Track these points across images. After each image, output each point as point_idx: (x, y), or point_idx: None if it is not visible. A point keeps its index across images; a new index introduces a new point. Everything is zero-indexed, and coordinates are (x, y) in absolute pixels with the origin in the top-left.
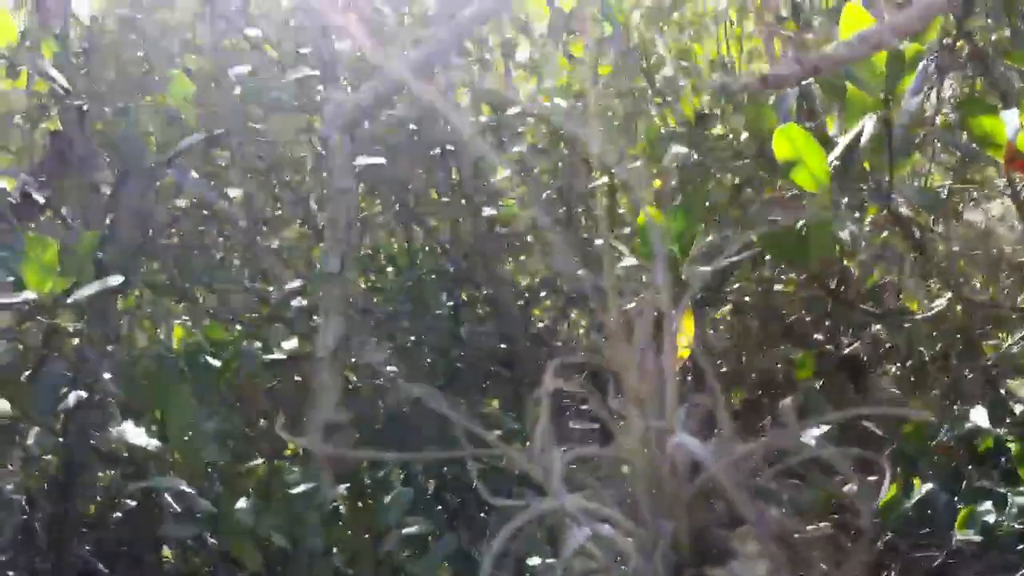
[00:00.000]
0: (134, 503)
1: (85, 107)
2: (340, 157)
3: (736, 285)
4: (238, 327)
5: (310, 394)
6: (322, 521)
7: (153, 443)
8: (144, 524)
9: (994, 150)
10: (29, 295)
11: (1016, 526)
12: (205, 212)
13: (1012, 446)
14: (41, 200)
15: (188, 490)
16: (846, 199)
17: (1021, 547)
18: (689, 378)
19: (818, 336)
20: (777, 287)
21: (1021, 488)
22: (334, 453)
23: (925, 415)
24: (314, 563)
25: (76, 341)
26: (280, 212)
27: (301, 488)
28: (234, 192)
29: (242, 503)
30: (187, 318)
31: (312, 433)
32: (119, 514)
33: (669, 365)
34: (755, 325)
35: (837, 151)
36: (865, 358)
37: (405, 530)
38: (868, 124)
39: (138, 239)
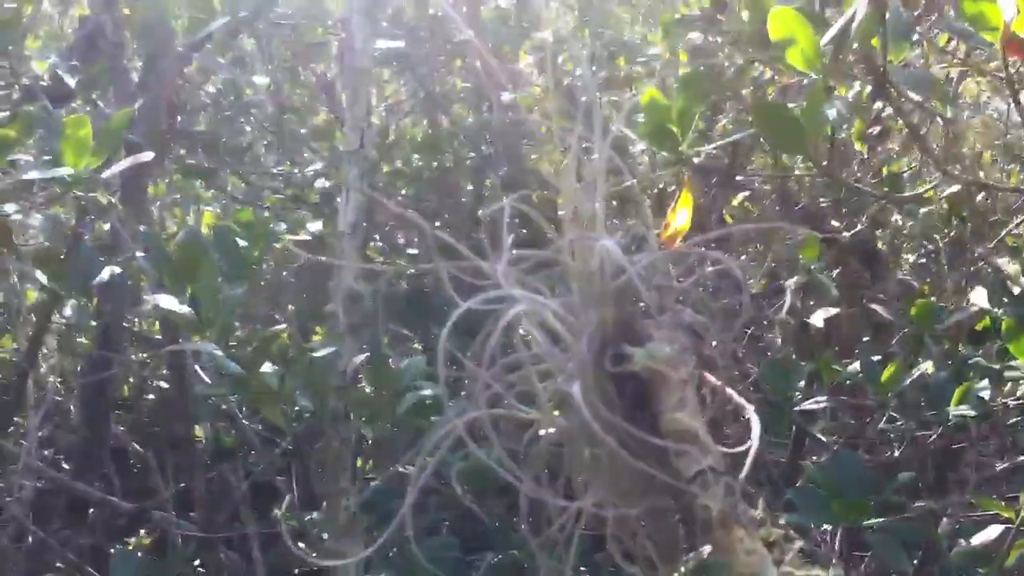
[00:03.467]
0: (166, 385)
1: None
2: (359, 39)
3: (752, 169)
4: (266, 212)
5: (333, 271)
6: (343, 384)
7: (186, 309)
8: (176, 401)
9: (990, 34)
10: (66, 170)
11: (1010, 402)
12: (232, 98)
13: (1003, 323)
14: (72, 84)
15: (218, 353)
16: (844, 82)
17: (1014, 420)
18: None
19: (835, 222)
20: (796, 172)
21: (1012, 364)
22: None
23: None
24: (336, 424)
25: (107, 225)
26: (306, 99)
27: (323, 352)
28: (260, 79)
29: (267, 367)
30: (215, 205)
31: (334, 303)
32: (151, 396)
33: (600, 189)
34: (771, 210)
35: (831, 33)
36: (880, 244)
37: (420, 393)
38: (861, 6)
39: (167, 123)
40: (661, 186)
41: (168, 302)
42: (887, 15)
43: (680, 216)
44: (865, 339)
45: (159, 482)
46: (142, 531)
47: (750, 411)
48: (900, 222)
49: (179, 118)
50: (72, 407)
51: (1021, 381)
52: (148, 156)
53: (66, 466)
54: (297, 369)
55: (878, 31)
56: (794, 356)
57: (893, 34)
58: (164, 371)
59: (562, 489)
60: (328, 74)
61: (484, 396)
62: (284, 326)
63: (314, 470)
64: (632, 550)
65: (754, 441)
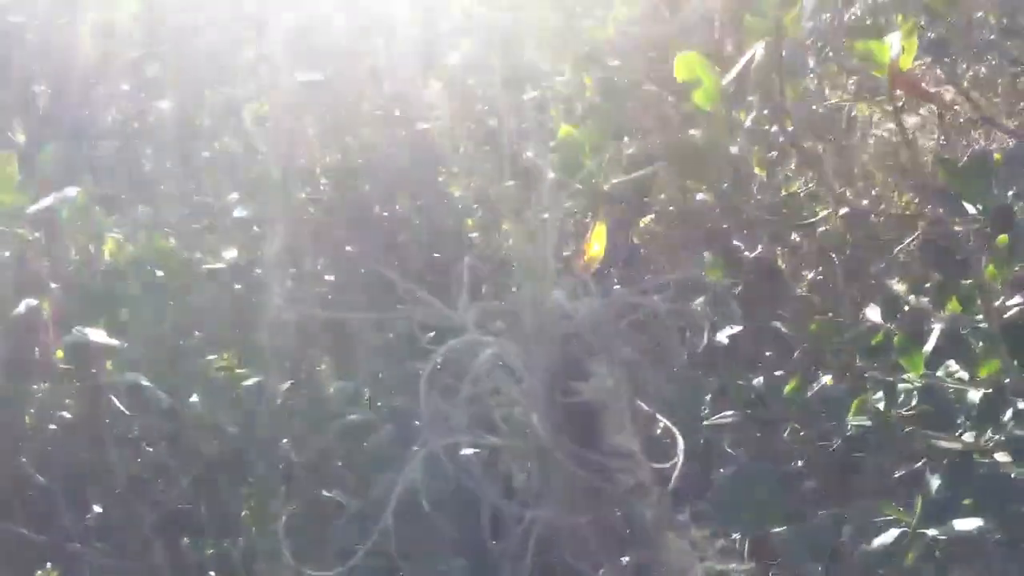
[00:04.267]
0: (69, 415)
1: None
2: (283, 77)
3: (662, 196)
4: (171, 239)
5: (254, 300)
6: (270, 412)
7: (114, 342)
8: (86, 432)
9: (878, 70)
10: None
11: (903, 412)
12: (136, 125)
13: (895, 338)
14: None
15: (147, 384)
16: (744, 117)
17: (906, 430)
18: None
19: (737, 243)
20: (700, 196)
21: (903, 376)
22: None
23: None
24: (264, 451)
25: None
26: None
27: (250, 382)
28: (164, 103)
29: (195, 397)
30: (119, 231)
31: (260, 332)
32: (54, 426)
33: (551, 241)
34: (677, 232)
35: (732, 74)
36: (782, 264)
37: (347, 419)
38: (759, 49)
39: (74, 151)
40: (576, 215)
41: (96, 335)
42: (784, 54)
43: (595, 244)
44: (768, 354)
45: (64, 514)
46: (48, 564)
47: (676, 433)
48: (798, 240)
49: (83, 145)
50: None
51: (913, 393)
52: (74, 192)
53: None
54: (226, 399)
55: (775, 69)
56: (701, 373)
57: (790, 72)
58: (71, 402)
59: (519, 503)
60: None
61: (450, 425)
62: (212, 357)
63: (230, 498)
64: (580, 553)
65: (679, 457)
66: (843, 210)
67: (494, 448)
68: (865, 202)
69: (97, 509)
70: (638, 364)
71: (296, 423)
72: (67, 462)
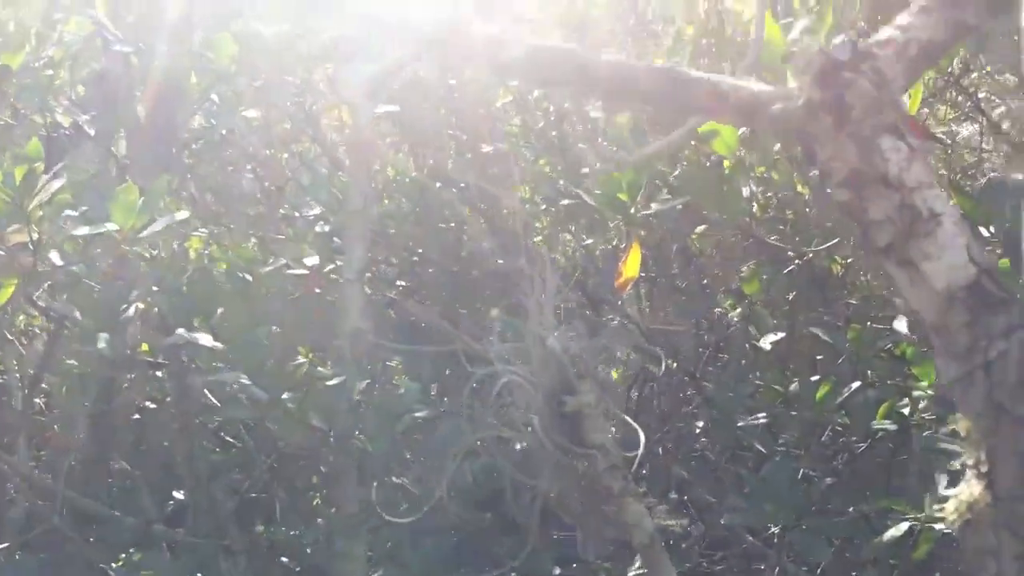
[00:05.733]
0: (153, 406)
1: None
2: (362, 116)
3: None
4: (253, 241)
5: (335, 307)
6: (349, 408)
7: (219, 345)
8: (175, 423)
9: None
10: (112, 226)
11: (925, 416)
12: (223, 132)
13: (907, 349)
14: (91, 132)
15: (247, 382)
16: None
17: (926, 433)
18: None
19: (790, 252)
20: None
21: (919, 384)
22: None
23: None
24: (342, 442)
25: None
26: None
27: (334, 381)
28: (250, 113)
29: (286, 394)
30: (203, 230)
31: (341, 338)
32: (137, 416)
33: (550, 292)
34: (729, 242)
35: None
36: (832, 269)
37: (415, 415)
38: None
39: (164, 156)
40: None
41: (203, 338)
42: None
43: (630, 267)
44: (819, 358)
45: (147, 500)
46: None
47: (639, 431)
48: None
49: (173, 150)
50: (56, 428)
51: (922, 400)
52: (184, 215)
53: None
54: (313, 396)
55: None
56: (752, 376)
57: None
58: (157, 394)
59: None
60: (313, 106)
61: (484, 424)
62: (303, 360)
63: (302, 487)
64: (567, 510)
65: (640, 448)
66: None
67: (513, 440)
68: None
69: (178, 496)
70: (610, 384)
71: (372, 417)
72: (152, 452)
